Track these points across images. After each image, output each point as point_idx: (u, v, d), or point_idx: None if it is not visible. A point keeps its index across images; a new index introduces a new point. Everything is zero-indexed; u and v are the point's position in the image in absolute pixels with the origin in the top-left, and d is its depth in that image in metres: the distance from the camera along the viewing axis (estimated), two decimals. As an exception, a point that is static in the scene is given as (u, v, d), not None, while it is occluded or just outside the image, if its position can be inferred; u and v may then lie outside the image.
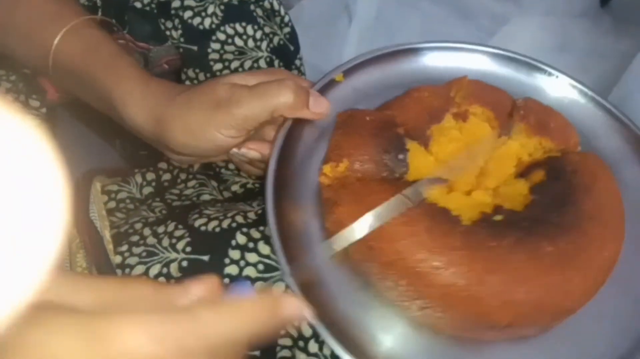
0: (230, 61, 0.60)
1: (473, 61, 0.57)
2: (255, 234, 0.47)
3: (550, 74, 0.57)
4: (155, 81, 0.50)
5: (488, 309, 0.39)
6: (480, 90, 0.52)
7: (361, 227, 0.41)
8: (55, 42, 0.49)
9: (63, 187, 0.16)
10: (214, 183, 0.57)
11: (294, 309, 0.33)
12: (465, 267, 0.40)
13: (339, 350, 0.39)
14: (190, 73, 0.60)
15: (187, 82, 0.60)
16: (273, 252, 0.45)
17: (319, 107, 0.50)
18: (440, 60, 0.57)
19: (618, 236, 0.44)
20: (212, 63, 0.59)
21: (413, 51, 0.57)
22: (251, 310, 0.30)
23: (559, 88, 0.57)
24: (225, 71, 0.60)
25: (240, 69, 0.60)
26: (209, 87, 0.48)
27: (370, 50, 0.56)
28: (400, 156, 0.46)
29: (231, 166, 0.57)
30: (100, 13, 0.59)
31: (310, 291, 0.41)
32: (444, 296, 0.40)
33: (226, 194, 0.56)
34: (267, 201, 0.45)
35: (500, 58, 0.57)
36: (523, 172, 0.48)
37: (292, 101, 0.47)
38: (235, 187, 0.55)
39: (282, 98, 0.47)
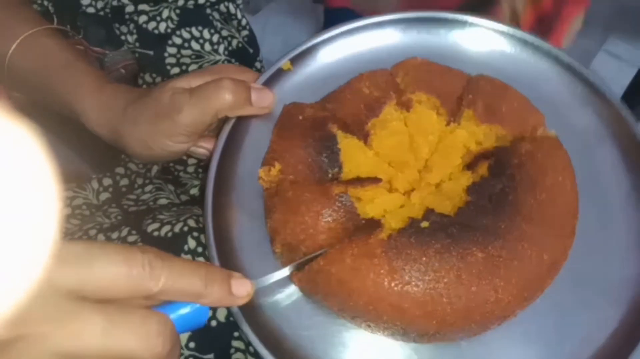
0: (187, 65, 0.59)
1: (434, 35, 0.53)
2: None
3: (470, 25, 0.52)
4: (109, 89, 0.49)
5: (412, 318, 0.38)
6: (426, 74, 0.48)
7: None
8: (10, 52, 0.50)
9: (53, 190, 0.17)
10: (171, 187, 0.56)
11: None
12: (384, 277, 0.38)
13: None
14: (147, 78, 0.59)
15: (144, 87, 0.59)
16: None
17: (264, 101, 0.48)
18: (396, 36, 0.53)
19: (565, 235, 0.41)
20: (169, 67, 0.58)
21: (365, 28, 0.53)
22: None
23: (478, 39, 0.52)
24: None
25: None
26: (154, 96, 0.47)
27: (319, 32, 0.53)
28: (333, 156, 0.44)
29: (190, 170, 0.56)
30: (55, 19, 0.58)
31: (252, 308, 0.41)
32: (367, 306, 0.39)
33: (183, 197, 0.56)
34: (206, 208, 0.44)
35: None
36: (471, 163, 0.45)
37: (231, 101, 0.46)
38: (193, 191, 0.55)
39: (221, 99, 0.46)
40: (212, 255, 0.42)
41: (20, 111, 0.17)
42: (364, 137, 0.46)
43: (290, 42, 0.75)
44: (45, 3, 0.58)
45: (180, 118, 0.45)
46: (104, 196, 0.55)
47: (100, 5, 0.59)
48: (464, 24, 0.52)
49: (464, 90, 0.48)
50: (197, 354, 0.45)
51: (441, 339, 0.40)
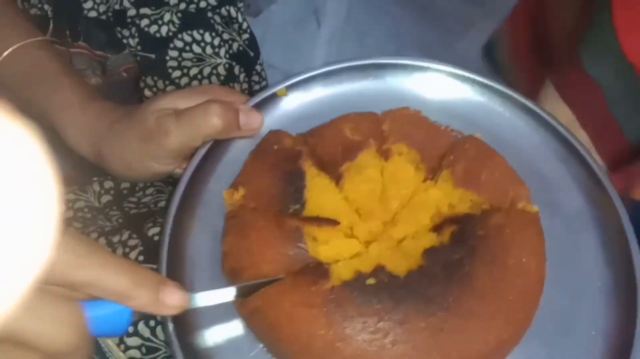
0: (189, 68, 0.59)
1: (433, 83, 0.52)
2: None
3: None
4: (93, 107, 0.49)
5: None
6: (413, 126, 0.47)
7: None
8: None
9: (54, 191, 0.16)
10: (172, 189, 0.55)
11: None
12: (320, 330, 0.37)
13: None
14: (149, 81, 0.60)
15: (146, 90, 0.60)
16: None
17: (251, 124, 0.48)
18: (396, 81, 0.52)
19: (517, 321, 0.39)
20: (170, 70, 0.59)
21: (368, 68, 0.52)
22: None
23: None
24: (184, 78, 0.60)
25: (199, 76, 0.60)
26: (139, 117, 0.47)
27: (320, 65, 0.53)
28: (297, 192, 0.44)
29: None
30: (51, 23, 0.59)
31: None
32: (298, 355, 0.38)
33: None
34: (166, 220, 0.44)
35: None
36: (438, 226, 0.43)
37: (219, 126, 0.46)
38: None
39: (209, 124, 0.46)
40: (160, 266, 0.42)
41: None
42: (337, 178, 0.45)
43: (291, 45, 0.76)
44: (45, 7, 0.59)
45: (167, 142, 0.45)
46: (106, 198, 0.55)
47: (102, 9, 0.60)
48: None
49: (447, 149, 0.46)
50: None
51: None
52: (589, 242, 0.44)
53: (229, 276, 0.42)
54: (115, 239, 0.48)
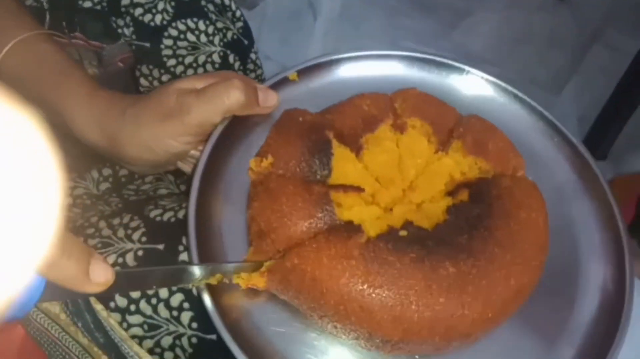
0: (184, 57, 0.60)
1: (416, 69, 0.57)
2: None
3: (464, 72, 0.57)
4: (102, 97, 0.49)
5: (380, 322, 0.39)
6: (423, 103, 0.52)
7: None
8: (0, 56, 0.49)
9: (57, 180, 0.16)
10: (171, 177, 0.57)
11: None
12: (358, 279, 0.39)
13: None
14: (144, 70, 0.60)
15: (142, 79, 0.60)
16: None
17: (269, 101, 0.50)
18: (399, 69, 0.57)
19: (532, 267, 0.43)
20: (165, 59, 0.60)
21: (370, 58, 0.57)
22: None
23: (473, 85, 0.57)
24: (179, 67, 0.60)
25: (194, 64, 0.60)
26: (156, 98, 0.48)
27: (330, 52, 0.56)
28: (324, 160, 0.46)
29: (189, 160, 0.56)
30: (48, 15, 0.59)
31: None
32: (337, 306, 0.39)
33: (183, 187, 0.56)
34: (190, 200, 0.45)
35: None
36: (452, 191, 0.47)
37: (242, 101, 0.47)
38: None
39: (232, 99, 0.47)
40: (189, 239, 0.43)
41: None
42: (357, 150, 0.48)
43: (287, 38, 0.76)
44: None
45: (189, 119, 0.46)
46: (104, 186, 0.55)
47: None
48: (461, 70, 0.57)
49: (455, 123, 0.51)
50: (200, 334, 0.45)
51: (403, 350, 0.41)
52: (578, 207, 0.51)
53: (255, 239, 0.44)
54: (116, 221, 0.47)
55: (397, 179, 0.48)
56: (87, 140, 0.49)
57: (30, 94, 0.50)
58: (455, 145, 0.49)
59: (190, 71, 0.60)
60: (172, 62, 0.60)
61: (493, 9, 0.97)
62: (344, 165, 0.47)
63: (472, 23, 0.92)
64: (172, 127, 0.47)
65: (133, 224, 0.47)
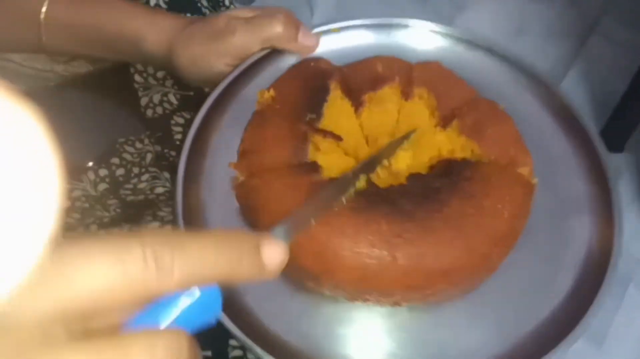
0: None
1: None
2: None
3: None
4: (162, 14, 0.55)
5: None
6: (438, 77, 0.51)
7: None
8: (46, 2, 0.53)
9: (57, 175, 0.16)
10: (167, 175, 0.57)
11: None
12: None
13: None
14: (139, 66, 0.61)
15: (136, 76, 0.61)
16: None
17: (308, 41, 0.53)
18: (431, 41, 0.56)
19: (473, 255, 0.42)
20: None
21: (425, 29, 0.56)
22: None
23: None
24: None
25: None
26: (211, 20, 0.53)
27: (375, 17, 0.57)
28: (318, 104, 0.49)
29: None
30: None
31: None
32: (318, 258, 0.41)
33: None
34: (195, 119, 0.49)
35: None
36: (434, 165, 0.47)
37: (281, 33, 0.51)
38: None
39: (272, 30, 0.51)
40: (183, 154, 0.45)
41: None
42: (357, 105, 0.50)
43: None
44: None
45: (233, 40, 0.51)
46: (102, 186, 0.56)
47: None
48: None
49: (463, 103, 0.49)
50: None
51: (426, 296, 0.41)
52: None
53: (239, 156, 0.48)
54: (115, 232, 0.49)
55: (385, 141, 0.48)
56: (151, 53, 0.54)
57: (81, 31, 0.54)
58: (455, 123, 0.48)
59: None
60: None
61: (489, 1, 0.97)
62: (339, 116, 0.49)
63: (468, 15, 0.92)
64: (217, 46, 0.51)
65: None
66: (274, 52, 0.53)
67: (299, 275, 0.42)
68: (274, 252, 0.26)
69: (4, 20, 0.54)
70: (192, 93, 0.61)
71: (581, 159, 0.49)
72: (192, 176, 0.46)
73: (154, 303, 0.23)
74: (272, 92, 0.51)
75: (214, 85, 0.55)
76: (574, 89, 1.06)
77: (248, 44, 0.51)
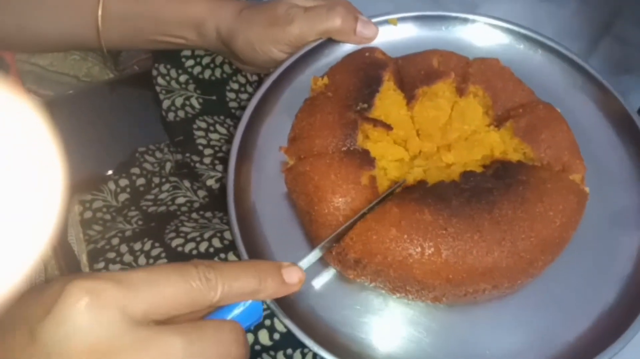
0: (201, 57, 0.61)
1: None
2: (232, 258, 0.48)
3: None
4: (224, 2, 0.56)
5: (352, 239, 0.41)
6: (495, 76, 0.50)
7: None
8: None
9: (59, 181, 0.17)
10: (187, 184, 0.56)
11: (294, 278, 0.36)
12: (356, 202, 0.43)
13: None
14: (162, 69, 0.61)
15: (159, 78, 0.60)
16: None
17: (367, 32, 0.54)
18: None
19: (518, 258, 0.41)
20: (183, 60, 0.61)
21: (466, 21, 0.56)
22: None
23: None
24: (197, 67, 0.61)
25: (211, 64, 0.61)
26: (271, 5, 0.54)
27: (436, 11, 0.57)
28: (369, 94, 0.48)
29: (206, 161, 0.56)
30: None
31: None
32: (326, 216, 0.43)
33: (201, 193, 0.56)
34: (248, 108, 0.50)
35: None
36: (487, 165, 0.46)
37: (339, 26, 0.52)
38: (210, 182, 0.55)
39: (330, 22, 0.52)
40: (238, 245, 0.44)
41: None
42: (410, 98, 0.49)
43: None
44: None
45: (291, 28, 0.52)
46: (123, 196, 0.56)
47: None
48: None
49: (519, 105, 0.49)
50: None
51: (467, 294, 0.41)
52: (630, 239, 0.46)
53: (289, 141, 0.49)
54: (137, 246, 0.49)
55: (437, 137, 0.48)
56: (211, 36, 0.55)
57: (140, 19, 0.55)
58: (509, 124, 0.47)
59: (207, 71, 0.61)
60: (190, 62, 0.61)
61: (500, 1, 0.96)
62: (391, 107, 0.49)
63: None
64: (274, 33, 0.52)
65: (154, 252, 0.49)
66: (329, 40, 0.53)
67: (343, 262, 0.42)
68: (291, 273, 0.35)
69: (62, 18, 0.55)
70: (214, 97, 0.61)
71: (636, 171, 0.48)
72: (244, 157, 0.48)
73: (216, 311, 0.33)
74: (325, 79, 0.51)
75: (267, 70, 0.57)
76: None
77: (305, 34, 0.52)
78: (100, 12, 0.54)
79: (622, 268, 0.44)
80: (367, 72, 0.50)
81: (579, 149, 0.47)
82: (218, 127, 0.58)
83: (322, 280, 0.44)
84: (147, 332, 0.28)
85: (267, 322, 0.45)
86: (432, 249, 0.40)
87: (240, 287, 0.32)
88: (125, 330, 0.28)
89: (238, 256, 0.46)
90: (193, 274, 0.31)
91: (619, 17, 1.01)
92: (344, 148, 0.46)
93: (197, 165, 0.56)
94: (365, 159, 0.45)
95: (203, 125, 0.58)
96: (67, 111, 0.60)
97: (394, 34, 0.56)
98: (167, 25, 0.55)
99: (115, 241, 0.50)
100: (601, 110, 0.51)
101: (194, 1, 0.55)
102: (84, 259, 0.49)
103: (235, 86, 0.61)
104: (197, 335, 0.29)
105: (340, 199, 0.43)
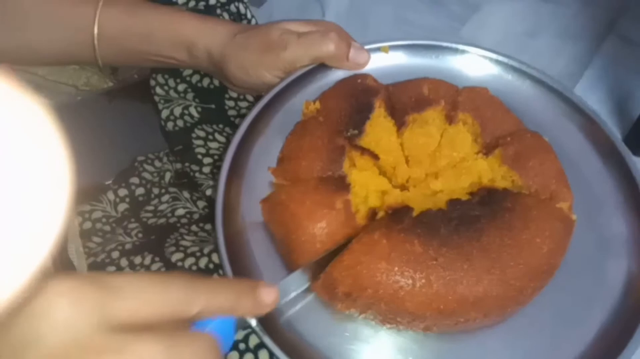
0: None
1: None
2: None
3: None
4: (214, 20, 0.56)
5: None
6: (484, 104, 0.51)
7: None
8: (98, 12, 0.54)
9: (67, 182, 0.17)
10: (187, 194, 0.56)
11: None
12: (333, 226, 0.43)
13: None
14: (160, 79, 0.60)
15: (157, 88, 0.60)
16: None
17: (360, 59, 0.54)
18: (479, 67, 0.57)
19: (507, 286, 0.41)
20: (181, 69, 0.60)
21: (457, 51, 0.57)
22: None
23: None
24: (195, 76, 0.60)
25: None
26: (264, 30, 0.54)
27: (430, 37, 0.58)
28: (360, 121, 0.49)
29: (205, 170, 0.56)
30: None
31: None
32: (304, 244, 0.43)
33: (200, 203, 0.56)
34: (242, 125, 0.50)
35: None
36: (474, 193, 0.46)
37: (332, 52, 0.53)
38: (209, 191, 0.55)
39: (324, 49, 0.53)
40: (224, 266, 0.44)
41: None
42: (400, 125, 0.50)
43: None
44: None
45: (285, 54, 0.52)
46: (122, 207, 0.55)
47: None
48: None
49: (508, 133, 0.49)
50: None
51: (457, 323, 0.41)
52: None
53: (278, 163, 0.49)
54: (137, 260, 0.49)
55: (425, 164, 0.49)
56: (202, 57, 0.55)
57: (134, 39, 0.55)
58: (497, 152, 0.48)
59: (206, 80, 0.61)
60: (188, 71, 0.60)
61: (502, 2, 0.95)
62: (381, 134, 0.49)
63: (481, 17, 0.90)
64: (268, 58, 0.53)
65: (154, 266, 0.49)
66: (322, 65, 0.54)
67: (331, 294, 0.42)
68: (266, 293, 0.35)
69: (59, 33, 0.55)
70: (213, 106, 0.60)
71: (623, 199, 0.48)
72: (235, 175, 0.48)
73: (194, 324, 0.33)
74: (317, 104, 0.51)
75: (259, 93, 0.57)
76: (590, 90, 1.03)
77: (299, 60, 0.53)
78: (96, 31, 0.54)
79: (611, 295, 0.44)
80: (358, 98, 0.51)
81: (566, 177, 0.47)
82: (217, 135, 0.58)
83: (311, 306, 0.43)
84: (124, 336, 0.28)
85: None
86: (423, 280, 0.40)
87: (220, 302, 0.33)
88: (103, 331, 0.28)
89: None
90: (177, 285, 0.31)
91: (623, 16, 0.99)
92: (329, 172, 0.46)
93: (197, 174, 0.56)
94: (340, 184, 0.45)
95: (202, 134, 0.58)
96: (65, 120, 0.58)
97: (386, 61, 0.56)
98: (158, 45, 0.56)
99: (115, 254, 0.50)
100: (588, 139, 0.52)
101: (185, 22, 0.55)
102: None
103: (234, 94, 0.61)
104: (173, 343, 0.29)
105: (316, 225, 0.43)
